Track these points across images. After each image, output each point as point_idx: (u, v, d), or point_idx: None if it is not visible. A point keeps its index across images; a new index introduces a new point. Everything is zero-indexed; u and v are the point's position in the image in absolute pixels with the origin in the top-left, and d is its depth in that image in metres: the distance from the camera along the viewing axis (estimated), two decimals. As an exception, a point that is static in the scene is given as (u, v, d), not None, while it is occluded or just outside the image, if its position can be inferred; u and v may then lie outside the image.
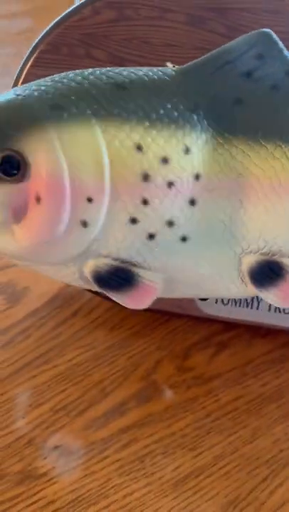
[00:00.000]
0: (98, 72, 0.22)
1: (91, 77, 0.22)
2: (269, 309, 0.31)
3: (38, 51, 0.29)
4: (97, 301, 0.36)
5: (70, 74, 0.22)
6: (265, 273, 0.22)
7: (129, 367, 0.32)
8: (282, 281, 0.22)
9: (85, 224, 0.21)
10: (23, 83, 0.30)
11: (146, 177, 0.20)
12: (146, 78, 0.22)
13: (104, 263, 0.22)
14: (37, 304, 0.36)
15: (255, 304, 0.31)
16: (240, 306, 0.32)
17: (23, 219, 0.20)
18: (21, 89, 0.22)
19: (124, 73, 0.22)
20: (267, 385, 0.31)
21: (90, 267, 0.22)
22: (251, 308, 0.31)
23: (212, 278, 0.23)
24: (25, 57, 0.30)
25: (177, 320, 0.34)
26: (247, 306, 0.31)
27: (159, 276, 0.22)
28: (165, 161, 0.21)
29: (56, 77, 0.22)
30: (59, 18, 0.29)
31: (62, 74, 0.22)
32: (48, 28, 0.29)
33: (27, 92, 0.21)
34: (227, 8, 0.25)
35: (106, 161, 0.20)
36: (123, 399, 0.31)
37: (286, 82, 0.22)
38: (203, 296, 0.25)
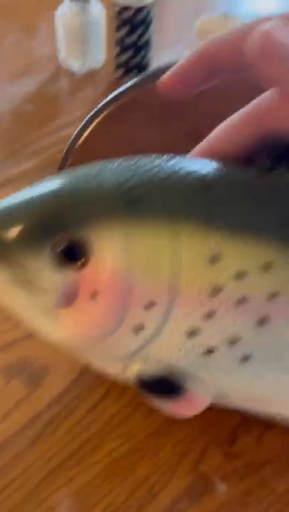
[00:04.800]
0: (187, 163, 0.19)
1: (177, 168, 0.19)
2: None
3: (113, 106, 0.26)
4: (126, 377, 0.33)
5: (157, 160, 0.19)
6: None
7: (174, 458, 0.30)
8: None
9: (139, 328, 0.19)
10: (88, 140, 0.27)
11: (215, 290, 0.18)
12: (237, 178, 0.19)
13: (151, 368, 0.20)
14: (61, 387, 0.32)
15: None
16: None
17: (72, 307, 0.19)
18: (95, 170, 0.19)
19: (216, 168, 0.19)
20: None
21: (136, 369, 0.20)
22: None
23: (271, 398, 0.21)
24: (94, 111, 0.27)
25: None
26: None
27: (209, 392, 0.20)
28: (239, 276, 0.18)
29: (139, 159, 0.19)
30: (148, 73, 0.26)
31: (147, 158, 0.20)
32: (131, 82, 0.26)
33: (103, 173, 0.19)
34: None
35: (174, 267, 0.18)
36: (174, 498, 0.28)
37: None
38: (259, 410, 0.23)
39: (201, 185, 0.19)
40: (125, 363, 0.20)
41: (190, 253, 0.18)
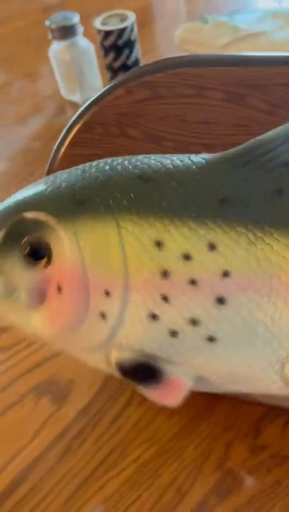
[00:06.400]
0: (126, 161, 0.21)
1: (118, 167, 0.21)
2: None
3: (73, 131, 0.28)
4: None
5: (101, 163, 0.22)
6: None
7: (199, 457, 0.30)
8: None
9: (103, 316, 0.21)
10: (59, 165, 0.29)
11: (165, 274, 0.20)
12: (172, 168, 0.21)
13: (127, 355, 0.21)
14: (86, 399, 0.34)
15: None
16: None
17: (45, 304, 0.21)
18: (51, 181, 0.22)
19: (152, 162, 0.21)
20: None
21: (114, 357, 0.21)
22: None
23: (247, 379, 0.22)
24: (60, 138, 0.29)
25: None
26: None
27: (188, 371, 0.21)
28: (186, 257, 0.20)
29: (87, 166, 0.22)
30: (93, 97, 0.28)
31: (93, 163, 0.22)
32: (82, 107, 0.28)
33: (57, 183, 0.22)
34: (268, 84, 0.24)
35: (122, 256, 0.20)
36: (202, 497, 0.29)
37: None
38: (244, 391, 0.23)
39: (140, 178, 0.20)
40: (104, 353, 0.22)
41: (135, 242, 0.20)
